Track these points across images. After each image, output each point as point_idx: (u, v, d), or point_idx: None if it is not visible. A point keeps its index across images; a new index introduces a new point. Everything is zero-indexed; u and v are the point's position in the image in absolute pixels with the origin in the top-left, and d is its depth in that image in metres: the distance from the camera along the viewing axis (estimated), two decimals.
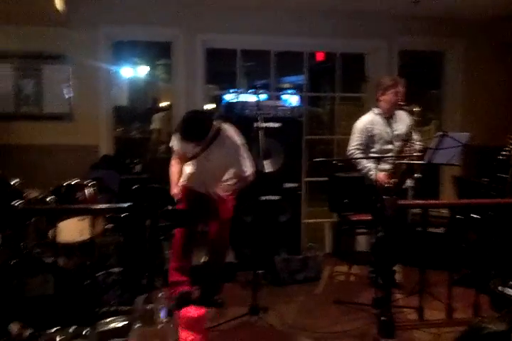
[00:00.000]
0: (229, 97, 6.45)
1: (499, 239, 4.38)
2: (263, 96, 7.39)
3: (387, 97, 4.47)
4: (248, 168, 3.97)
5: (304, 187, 5.62)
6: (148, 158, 6.57)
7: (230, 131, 3.97)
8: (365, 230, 5.06)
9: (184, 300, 3.91)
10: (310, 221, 5.82)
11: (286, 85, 12.65)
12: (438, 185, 6.04)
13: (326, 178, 5.40)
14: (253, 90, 4.15)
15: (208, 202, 4.02)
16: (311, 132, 6.58)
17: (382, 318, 3.53)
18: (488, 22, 5.86)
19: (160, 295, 1.02)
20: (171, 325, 1.06)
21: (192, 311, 1.43)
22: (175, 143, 3.98)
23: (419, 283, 3.81)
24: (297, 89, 8.89)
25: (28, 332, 2.83)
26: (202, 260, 4.22)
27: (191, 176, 4.06)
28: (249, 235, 4.47)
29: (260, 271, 4.67)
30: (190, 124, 3.71)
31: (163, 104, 9.43)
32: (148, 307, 1.03)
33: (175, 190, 3.94)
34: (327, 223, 5.82)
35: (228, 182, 4.00)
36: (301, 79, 8.70)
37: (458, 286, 4.26)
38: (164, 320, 1.04)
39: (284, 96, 11.42)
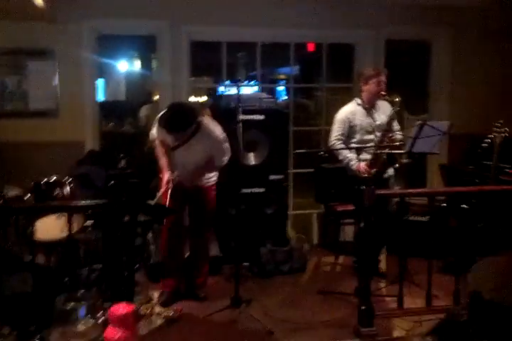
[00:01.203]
0: (221, 90, 6.45)
1: (483, 226, 4.40)
2: (254, 89, 7.40)
3: (369, 87, 4.48)
4: (225, 160, 4.02)
5: (292, 178, 5.66)
6: (135, 152, 6.58)
7: (211, 125, 3.97)
8: (351, 220, 5.07)
9: (170, 299, 4.01)
10: (297, 212, 5.83)
11: (281, 76, 12.64)
12: (425, 174, 6.04)
13: (311, 169, 5.41)
14: (234, 82, 4.11)
15: (192, 194, 4.06)
16: (300, 123, 6.57)
17: (362, 307, 3.57)
18: (475, 9, 5.80)
19: (80, 293, 1.03)
20: (94, 323, 1.07)
21: (120, 308, 1.45)
22: (154, 131, 3.99)
23: (400, 271, 3.82)
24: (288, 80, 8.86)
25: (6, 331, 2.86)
26: (186, 253, 4.25)
27: (174, 167, 4.06)
28: (234, 228, 4.48)
29: (246, 264, 4.71)
30: (173, 116, 3.70)
31: (156, 98, 9.42)
32: (68, 306, 1.03)
33: (167, 175, 3.94)
34: (314, 214, 5.82)
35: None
36: (294, 70, 8.69)
37: (443, 274, 4.31)
38: (83, 319, 1.05)
39: (279, 88, 11.44)
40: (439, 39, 6.06)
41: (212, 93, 9.50)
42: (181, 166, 4.01)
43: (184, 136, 3.79)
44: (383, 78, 4.47)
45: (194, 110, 3.83)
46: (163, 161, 4.04)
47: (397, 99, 4.36)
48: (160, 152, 4.07)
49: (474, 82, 5.98)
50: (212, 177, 4.18)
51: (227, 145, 4.00)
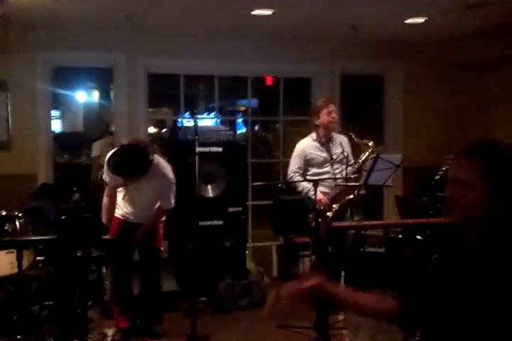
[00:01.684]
0: (183, 121, 6.45)
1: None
2: (213, 121, 7.47)
3: (322, 120, 4.51)
4: (172, 203, 3.96)
5: (251, 210, 5.65)
6: (88, 186, 6.49)
7: (162, 165, 3.88)
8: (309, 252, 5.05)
9: (124, 337, 3.90)
10: (255, 245, 5.79)
11: (241, 108, 12.76)
12: (382, 204, 6.12)
13: (270, 201, 5.40)
14: (189, 115, 4.10)
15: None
16: (259, 155, 6.61)
17: None
18: (424, 45, 6.00)
19: (16, 338, 0.97)
20: None
21: None
22: (105, 174, 3.90)
23: None
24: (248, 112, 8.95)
25: None
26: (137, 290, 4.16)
27: (123, 204, 4.01)
28: (192, 261, 4.41)
29: (203, 298, 4.62)
30: (123, 160, 3.59)
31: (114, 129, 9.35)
32: None
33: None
34: (274, 246, 5.79)
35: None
36: (253, 102, 8.77)
37: None
38: None
39: (238, 120, 11.55)
40: (391, 73, 6.24)
41: (167, 125, 9.54)
42: (131, 205, 3.96)
43: (134, 178, 3.71)
44: (333, 108, 4.52)
45: (144, 152, 3.64)
46: (104, 210, 3.96)
47: (370, 144, 4.36)
48: (105, 200, 3.98)
49: (425, 115, 6.16)
50: None
51: (174, 188, 3.94)
